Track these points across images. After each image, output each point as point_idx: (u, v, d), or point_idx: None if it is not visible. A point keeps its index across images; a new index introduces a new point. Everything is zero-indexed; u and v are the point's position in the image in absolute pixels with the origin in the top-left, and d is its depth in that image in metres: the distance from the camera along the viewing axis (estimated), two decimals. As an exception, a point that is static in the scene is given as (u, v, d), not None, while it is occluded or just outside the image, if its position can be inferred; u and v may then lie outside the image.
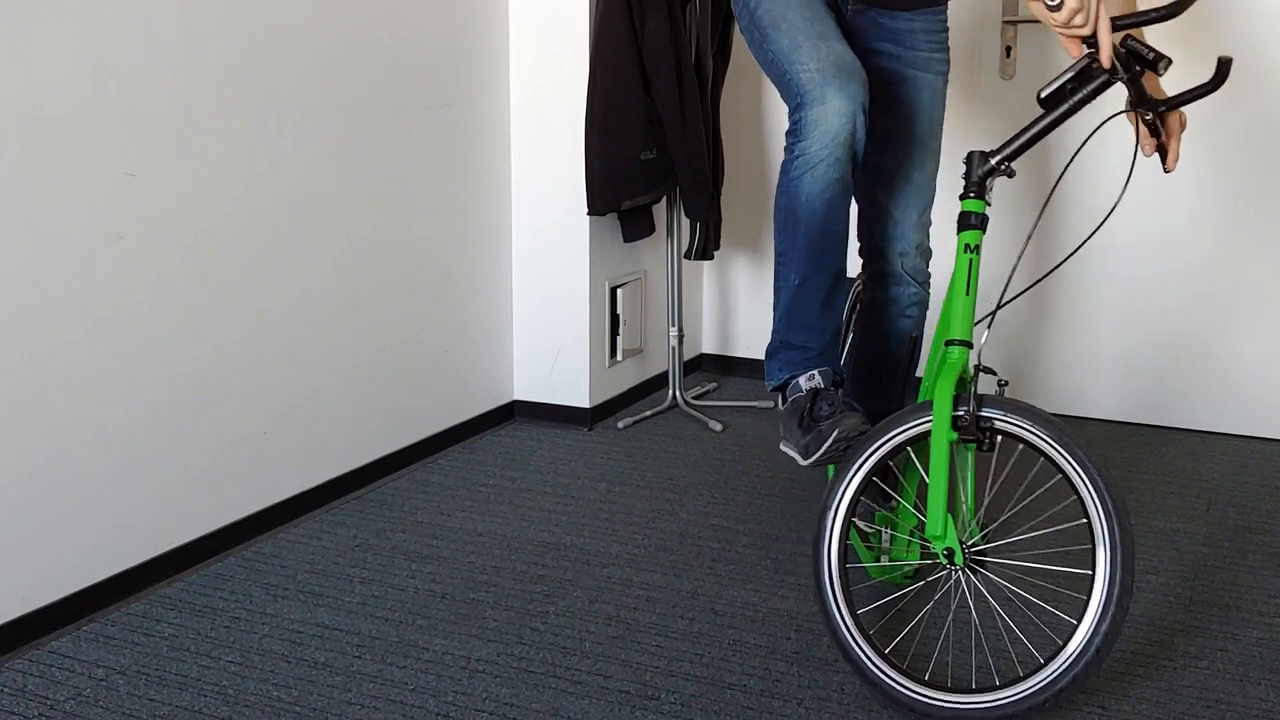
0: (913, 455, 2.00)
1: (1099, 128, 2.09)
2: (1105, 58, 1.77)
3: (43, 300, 2.03)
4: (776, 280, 2.09)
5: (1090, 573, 1.73)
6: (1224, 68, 1.85)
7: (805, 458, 1.96)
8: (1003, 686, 1.75)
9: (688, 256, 3.37)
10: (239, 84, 2.37)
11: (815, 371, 2.05)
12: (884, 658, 1.82)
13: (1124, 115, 1.96)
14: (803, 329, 2.06)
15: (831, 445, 1.90)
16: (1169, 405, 3.27)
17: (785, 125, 2.04)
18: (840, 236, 2.03)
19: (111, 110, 2.12)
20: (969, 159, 1.93)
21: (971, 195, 1.92)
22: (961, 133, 3.35)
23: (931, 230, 2.33)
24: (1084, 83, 1.87)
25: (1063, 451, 1.77)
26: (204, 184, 2.32)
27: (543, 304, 3.27)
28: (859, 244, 2.35)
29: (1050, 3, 1.73)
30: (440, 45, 2.93)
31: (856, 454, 1.88)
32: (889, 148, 2.21)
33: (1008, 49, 3.28)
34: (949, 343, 1.88)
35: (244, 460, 2.47)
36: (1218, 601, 2.22)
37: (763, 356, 2.18)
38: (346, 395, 2.74)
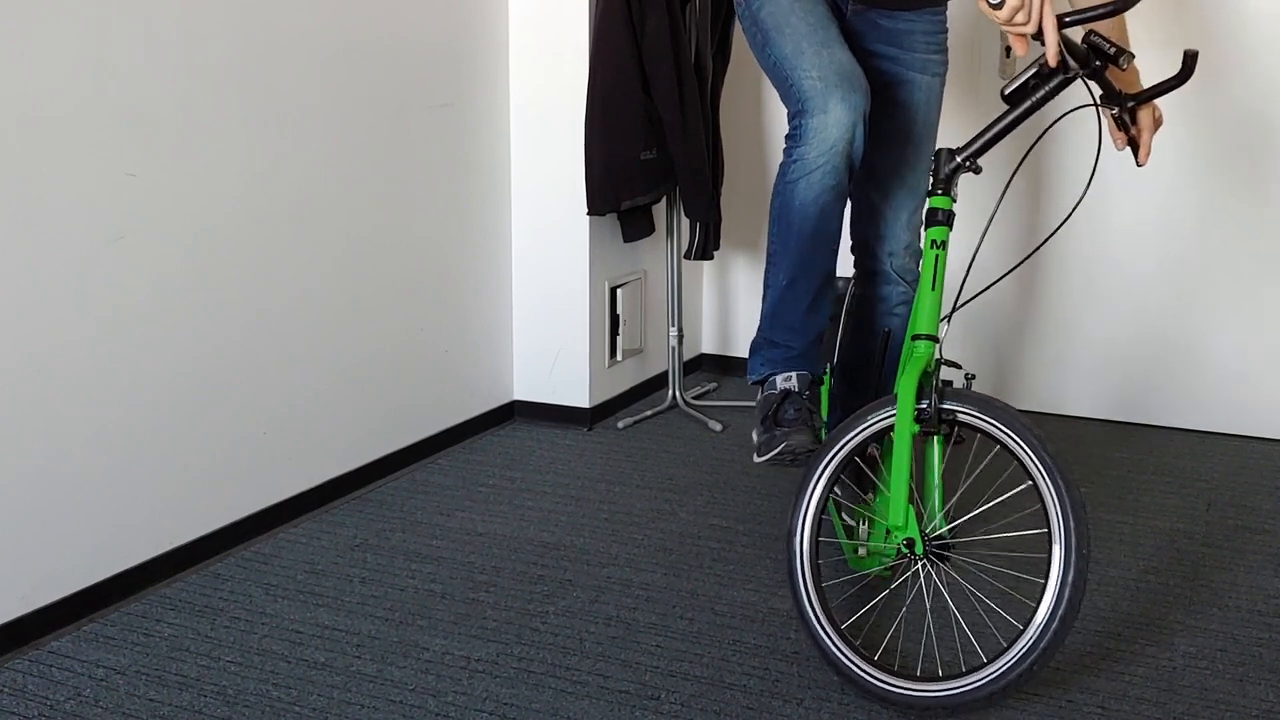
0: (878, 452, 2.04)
1: (1054, 123, 2.10)
2: (1051, 56, 1.78)
3: (43, 300, 2.03)
4: (766, 278, 2.14)
5: (1046, 554, 1.76)
6: (1190, 61, 1.86)
7: (757, 455, 2.03)
8: (978, 668, 1.78)
9: (687, 256, 3.36)
10: (239, 84, 2.37)
11: (794, 374, 2.10)
12: (867, 660, 1.84)
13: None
14: (786, 329, 2.11)
15: (779, 453, 1.98)
16: (1168, 405, 3.27)
17: (785, 125, 2.04)
18: (831, 241, 2.07)
19: (111, 110, 2.12)
20: (936, 156, 1.95)
21: (938, 192, 1.94)
22: (962, 133, 3.33)
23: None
24: (1046, 79, 1.88)
25: (1014, 437, 1.81)
26: (204, 184, 2.32)
27: (543, 304, 3.27)
28: (851, 241, 2.36)
29: (992, 1, 1.73)
30: (440, 45, 2.93)
31: (821, 456, 1.93)
32: (884, 148, 2.22)
33: (1007, 49, 3.28)
34: (915, 337, 1.93)
35: (244, 460, 2.47)
36: (1218, 601, 2.22)
37: None
38: (346, 395, 2.74)
